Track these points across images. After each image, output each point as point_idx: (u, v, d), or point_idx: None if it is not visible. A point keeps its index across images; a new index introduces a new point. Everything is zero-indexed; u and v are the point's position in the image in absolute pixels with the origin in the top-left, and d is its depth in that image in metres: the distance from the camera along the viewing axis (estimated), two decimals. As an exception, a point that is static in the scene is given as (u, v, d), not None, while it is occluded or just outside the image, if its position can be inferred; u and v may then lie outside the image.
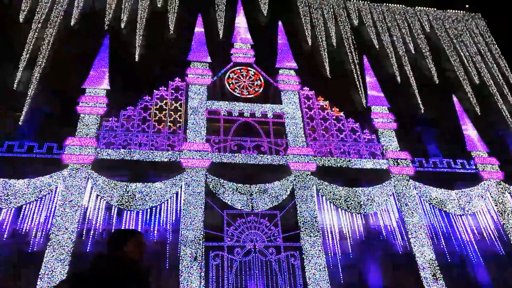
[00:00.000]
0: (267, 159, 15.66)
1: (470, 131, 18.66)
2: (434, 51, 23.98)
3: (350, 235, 14.66)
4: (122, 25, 20.39)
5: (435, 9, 26.40)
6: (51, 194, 13.42)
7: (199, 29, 19.36)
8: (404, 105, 20.56)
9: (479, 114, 21.15)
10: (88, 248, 12.85)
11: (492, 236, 15.60)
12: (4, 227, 12.77)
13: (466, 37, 25.32)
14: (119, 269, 3.17)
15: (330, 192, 15.31)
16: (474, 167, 17.29)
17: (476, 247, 15.24)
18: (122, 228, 13.22)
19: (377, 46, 23.35)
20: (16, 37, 18.44)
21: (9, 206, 12.89)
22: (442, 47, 24.40)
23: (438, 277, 13.87)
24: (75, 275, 3.19)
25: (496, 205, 16.28)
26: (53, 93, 16.84)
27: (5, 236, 12.72)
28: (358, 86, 20.85)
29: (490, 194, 16.58)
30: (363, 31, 24.07)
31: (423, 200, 15.91)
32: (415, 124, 20.24)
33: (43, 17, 19.46)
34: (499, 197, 16.51)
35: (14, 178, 13.31)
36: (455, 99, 20.22)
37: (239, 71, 18.32)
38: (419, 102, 21.04)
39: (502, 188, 16.81)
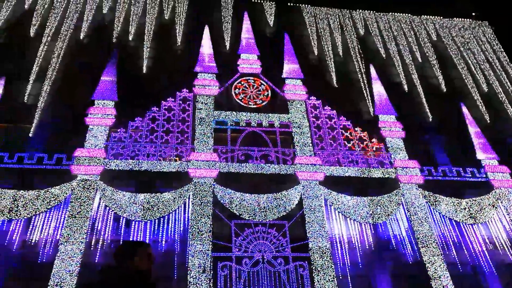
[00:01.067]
0: (275, 168, 15.63)
1: (479, 139, 18.47)
2: (441, 60, 23.91)
3: (359, 245, 14.51)
4: (130, 38, 20.69)
5: (441, 17, 26.41)
6: (60, 205, 13.50)
7: (206, 40, 19.54)
8: (412, 113, 20.47)
9: (488, 122, 20.97)
10: (97, 259, 12.87)
11: (505, 246, 15.32)
12: (14, 238, 12.87)
13: (473, 45, 25.24)
14: (128, 281, 3.17)
15: (339, 201, 15.21)
16: (485, 176, 17.06)
17: (488, 257, 14.96)
18: (130, 239, 13.24)
19: (384, 55, 23.37)
20: (27, 51, 18.79)
21: (19, 217, 12.99)
22: (449, 55, 24.33)
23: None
24: (85, 287, 3.21)
25: (508, 214, 16.02)
26: (62, 105, 17.09)
27: (14, 247, 12.81)
28: (365, 95, 20.84)
29: (502, 202, 16.33)
30: (369, 40, 24.12)
31: (433, 209, 15.72)
32: (424, 132, 20.12)
33: (52, 31, 19.83)
34: (511, 205, 16.24)
35: (23, 189, 13.45)
36: (463, 107, 20.06)
37: (246, 81, 18.42)
38: (427, 110, 20.94)
39: (513, 196, 16.55)
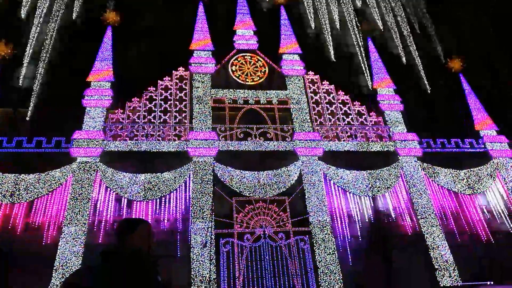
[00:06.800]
0: (274, 145, 15.65)
1: (478, 109, 18.40)
2: (440, 30, 23.58)
3: (359, 218, 14.69)
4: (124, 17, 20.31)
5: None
6: (62, 187, 13.60)
7: (201, 17, 19.17)
8: (411, 85, 20.33)
9: (487, 92, 20.85)
10: (100, 239, 13.05)
11: (502, 215, 15.52)
12: (17, 221, 13.00)
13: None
14: (127, 260, 3.19)
15: (338, 176, 15.30)
16: (483, 146, 17.10)
17: (486, 226, 15.17)
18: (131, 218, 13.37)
19: (382, 27, 23.02)
20: (19, 34, 18.49)
21: (21, 201, 13.10)
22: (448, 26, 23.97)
23: None
24: (85, 269, 3.23)
25: (505, 184, 16.15)
26: (58, 88, 16.94)
27: (18, 230, 12.96)
28: (364, 68, 20.65)
29: (500, 172, 16.44)
30: (367, 12, 23.71)
31: (432, 180, 15.84)
32: (422, 104, 20.03)
33: (44, 11, 19.45)
34: (509, 175, 16.36)
35: (24, 173, 13.50)
36: (462, 78, 19.89)
37: (242, 57, 18.19)
38: (426, 82, 20.79)
39: (511, 166, 16.64)
